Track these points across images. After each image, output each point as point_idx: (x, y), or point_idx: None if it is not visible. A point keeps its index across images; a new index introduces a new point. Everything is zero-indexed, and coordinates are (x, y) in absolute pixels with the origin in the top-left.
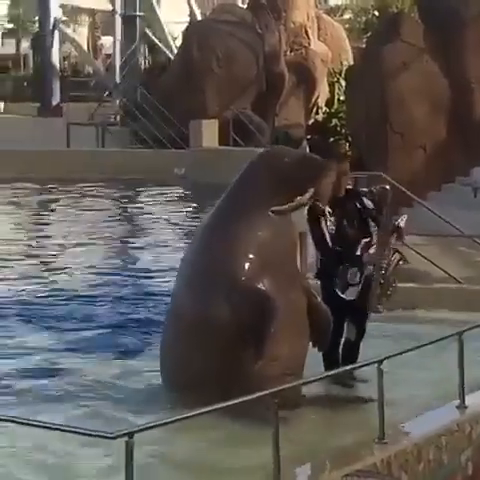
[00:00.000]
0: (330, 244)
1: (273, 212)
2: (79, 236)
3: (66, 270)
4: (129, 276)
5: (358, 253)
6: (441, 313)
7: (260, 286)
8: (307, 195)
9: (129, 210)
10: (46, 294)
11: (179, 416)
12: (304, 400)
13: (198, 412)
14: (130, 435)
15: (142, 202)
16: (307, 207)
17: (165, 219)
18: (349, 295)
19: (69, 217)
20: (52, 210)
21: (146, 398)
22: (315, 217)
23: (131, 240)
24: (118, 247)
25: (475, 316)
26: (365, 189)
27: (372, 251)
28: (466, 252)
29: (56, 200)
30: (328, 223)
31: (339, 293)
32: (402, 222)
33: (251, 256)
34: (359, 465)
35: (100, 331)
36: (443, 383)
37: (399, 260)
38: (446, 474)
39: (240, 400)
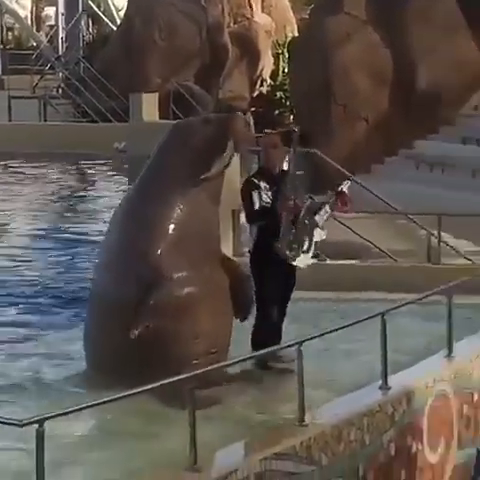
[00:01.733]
0: (259, 215)
1: (203, 180)
2: (19, 211)
3: (3, 245)
4: (66, 250)
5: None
6: (373, 291)
7: (164, 264)
8: (227, 152)
9: (69, 184)
10: None
11: (91, 402)
12: (228, 378)
13: (116, 397)
14: (40, 423)
15: (82, 176)
16: (243, 181)
17: (103, 194)
18: (302, 262)
19: (9, 192)
20: None
21: (69, 381)
22: (247, 191)
23: (71, 214)
24: (58, 221)
25: (406, 295)
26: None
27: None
28: (406, 227)
29: None
30: (264, 197)
31: (291, 261)
32: (345, 187)
33: (163, 234)
34: (278, 448)
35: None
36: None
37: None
38: (368, 454)
39: (158, 384)
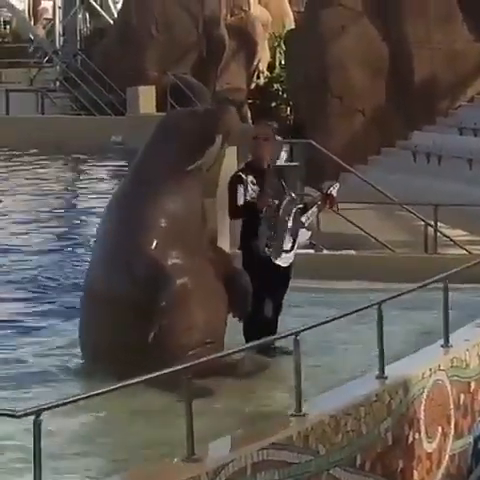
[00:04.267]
0: (240, 211)
1: (189, 171)
2: (17, 204)
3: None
4: (64, 245)
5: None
6: (371, 281)
7: (160, 259)
8: (216, 144)
9: (66, 177)
10: None
11: (89, 393)
12: (227, 367)
13: (112, 388)
14: (37, 413)
15: (79, 169)
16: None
17: (100, 186)
18: (284, 261)
19: (8, 185)
20: None
21: (64, 373)
22: (233, 185)
23: (70, 208)
24: (58, 214)
25: (402, 285)
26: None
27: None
28: (403, 218)
29: None
30: (250, 192)
31: (273, 259)
32: (334, 190)
33: (153, 228)
34: (275, 438)
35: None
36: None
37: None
38: (365, 444)
39: (154, 375)
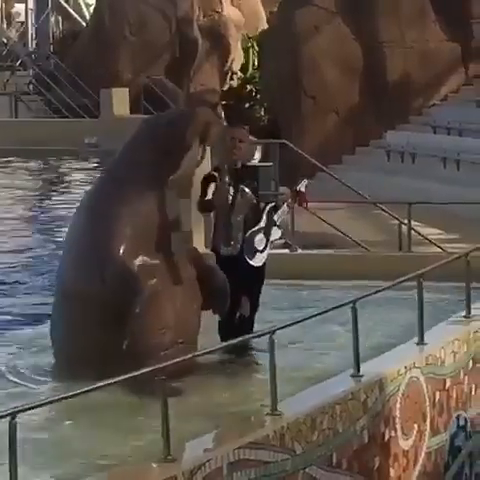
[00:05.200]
0: (204, 205)
1: (172, 182)
2: None
3: None
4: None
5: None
6: (346, 280)
7: (131, 262)
8: (193, 149)
9: (41, 180)
10: None
11: (63, 394)
12: (200, 367)
13: (83, 390)
14: (12, 415)
15: (53, 172)
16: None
17: (73, 189)
18: (258, 261)
19: None
20: None
21: (37, 375)
22: (206, 181)
23: (43, 211)
24: (30, 219)
25: (376, 283)
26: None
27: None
28: (377, 217)
29: None
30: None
31: (248, 260)
32: (302, 187)
33: (123, 230)
34: (251, 437)
35: None
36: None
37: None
38: (341, 442)
39: (127, 376)
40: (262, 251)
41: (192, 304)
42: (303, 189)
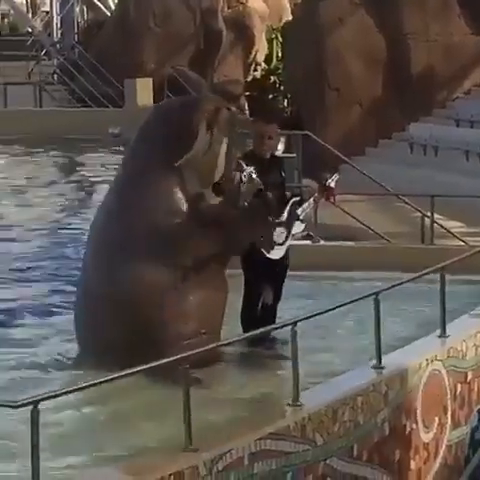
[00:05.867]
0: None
1: (172, 168)
2: (16, 198)
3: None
4: (61, 236)
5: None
6: (368, 272)
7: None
8: (201, 136)
9: (67, 170)
10: None
11: (85, 383)
12: (223, 358)
13: (108, 378)
14: (35, 404)
15: (79, 161)
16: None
17: (97, 178)
18: (276, 255)
19: (7, 179)
20: None
21: (62, 364)
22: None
23: (69, 200)
24: (56, 208)
25: (398, 275)
26: None
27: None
28: (399, 209)
29: None
30: (246, 182)
31: (265, 252)
32: (332, 182)
33: (147, 223)
34: (273, 428)
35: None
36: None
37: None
38: (362, 434)
39: (149, 365)
40: (282, 244)
41: (217, 294)
42: (333, 184)
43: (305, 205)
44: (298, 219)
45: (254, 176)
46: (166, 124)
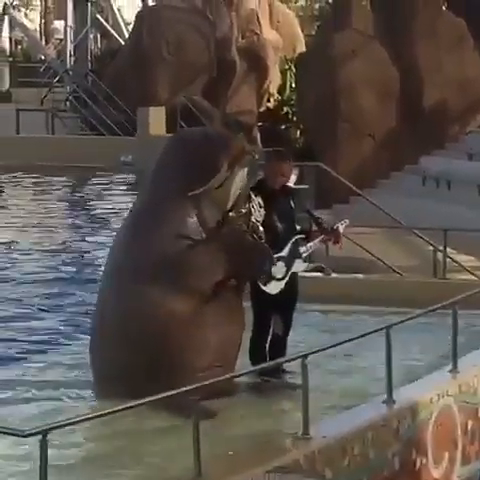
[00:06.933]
0: None
1: (189, 197)
2: (26, 226)
3: (11, 257)
4: (71, 262)
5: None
6: (379, 306)
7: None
8: (221, 173)
9: (76, 197)
10: None
11: (95, 413)
12: (236, 389)
13: (120, 408)
14: (44, 433)
15: (89, 189)
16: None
17: (110, 207)
18: (273, 289)
19: (17, 206)
20: None
21: (73, 392)
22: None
23: (79, 228)
24: (65, 235)
25: (410, 309)
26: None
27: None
28: (412, 242)
29: (3, 187)
30: (256, 213)
31: (261, 286)
32: (341, 227)
33: (166, 253)
34: (282, 461)
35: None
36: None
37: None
38: (372, 469)
39: (162, 396)
40: (281, 279)
41: (234, 328)
42: (341, 229)
43: (309, 244)
44: (300, 257)
45: (260, 207)
46: (189, 154)
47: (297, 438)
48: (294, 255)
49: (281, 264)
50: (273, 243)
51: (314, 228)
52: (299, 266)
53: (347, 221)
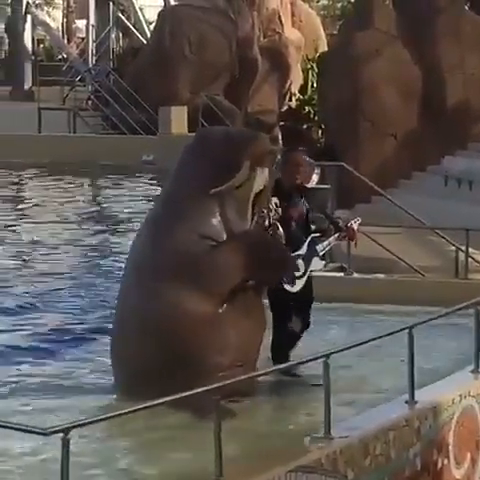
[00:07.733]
0: None
1: (211, 196)
2: (48, 222)
3: (32, 255)
4: (94, 261)
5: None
6: (401, 305)
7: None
8: (243, 172)
9: (97, 196)
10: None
11: (116, 412)
12: (257, 388)
13: (141, 406)
14: (66, 431)
15: (110, 188)
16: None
17: (131, 206)
18: (295, 287)
19: (39, 203)
20: (20, 196)
21: (94, 391)
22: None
23: (99, 226)
24: (87, 235)
25: (432, 309)
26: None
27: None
28: (433, 242)
29: (25, 185)
30: (272, 213)
31: (286, 286)
32: (355, 224)
33: (184, 251)
34: (304, 460)
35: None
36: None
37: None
38: (394, 469)
39: (182, 395)
40: (300, 278)
41: (255, 327)
42: (355, 226)
43: (325, 243)
44: (318, 255)
45: (276, 207)
46: (211, 153)
47: (319, 438)
48: (312, 253)
49: (300, 262)
50: (287, 242)
51: (329, 227)
52: (317, 264)
53: (359, 219)
